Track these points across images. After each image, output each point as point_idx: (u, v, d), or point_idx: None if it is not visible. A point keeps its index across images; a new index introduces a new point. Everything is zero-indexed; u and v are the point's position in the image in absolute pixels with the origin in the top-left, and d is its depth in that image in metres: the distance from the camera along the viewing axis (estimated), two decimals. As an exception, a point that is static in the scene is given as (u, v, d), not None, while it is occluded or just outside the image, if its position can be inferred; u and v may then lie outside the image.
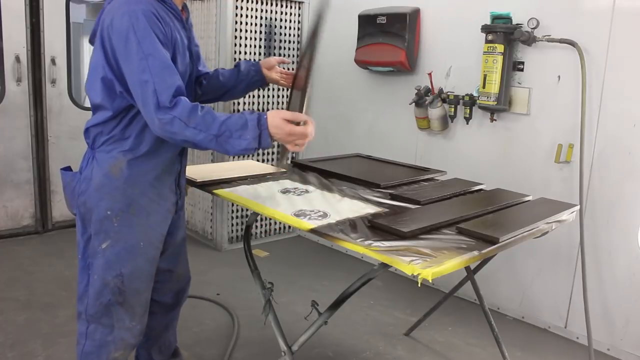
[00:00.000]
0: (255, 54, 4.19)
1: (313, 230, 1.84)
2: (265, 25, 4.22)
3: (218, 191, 2.20)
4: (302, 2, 4.40)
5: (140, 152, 1.83)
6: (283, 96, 4.43)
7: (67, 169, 2.01)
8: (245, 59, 2.15)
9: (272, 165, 1.73)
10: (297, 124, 1.71)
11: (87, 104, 4.90)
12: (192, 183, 2.35)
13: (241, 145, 1.68)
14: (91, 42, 1.85)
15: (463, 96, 3.43)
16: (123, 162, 1.81)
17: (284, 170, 2.69)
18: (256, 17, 4.16)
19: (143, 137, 1.82)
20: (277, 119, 1.69)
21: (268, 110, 1.75)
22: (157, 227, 1.94)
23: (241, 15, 4.06)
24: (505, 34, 3.09)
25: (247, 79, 2.19)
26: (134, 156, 1.82)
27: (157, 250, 1.96)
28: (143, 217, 1.88)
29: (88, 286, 1.93)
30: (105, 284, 1.88)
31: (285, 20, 4.34)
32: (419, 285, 1.62)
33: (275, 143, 1.84)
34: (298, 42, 4.46)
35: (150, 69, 1.64)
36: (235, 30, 4.04)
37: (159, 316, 2.21)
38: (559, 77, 3.05)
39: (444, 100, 3.51)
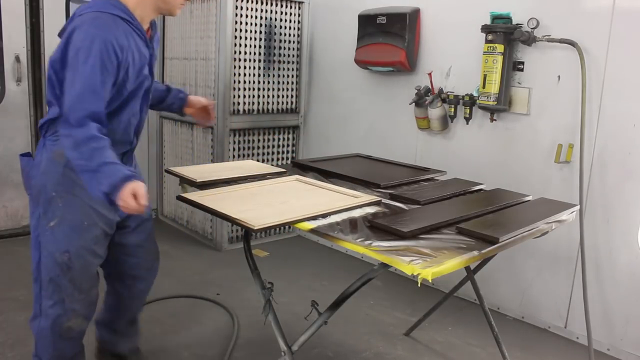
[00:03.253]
0: (255, 53, 4.19)
1: (313, 230, 1.85)
2: (265, 25, 4.22)
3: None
4: (302, 2, 4.40)
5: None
6: (283, 96, 4.43)
7: (26, 154, 2.16)
8: (178, 88, 2.50)
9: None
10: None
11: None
12: (192, 183, 2.35)
13: (93, 191, 1.83)
14: (60, 36, 1.98)
15: (463, 96, 3.43)
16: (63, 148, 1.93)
17: (284, 170, 2.69)
18: (256, 17, 4.16)
19: None
20: (126, 192, 1.78)
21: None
22: (100, 208, 2.04)
23: (241, 15, 4.06)
24: (505, 34, 3.09)
25: (168, 107, 2.47)
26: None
27: (101, 229, 2.09)
28: (85, 198, 1.99)
29: (40, 264, 2.07)
30: (54, 260, 2.03)
31: (285, 20, 4.34)
32: (419, 285, 1.62)
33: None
34: (298, 42, 4.47)
35: (77, 88, 1.81)
36: (235, 30, 4.04)
37: (131, 288, 2.38)
38: (559, 77, 3.05)
39: (444, 100, 3.51)
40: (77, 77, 1.82)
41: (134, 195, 1.78)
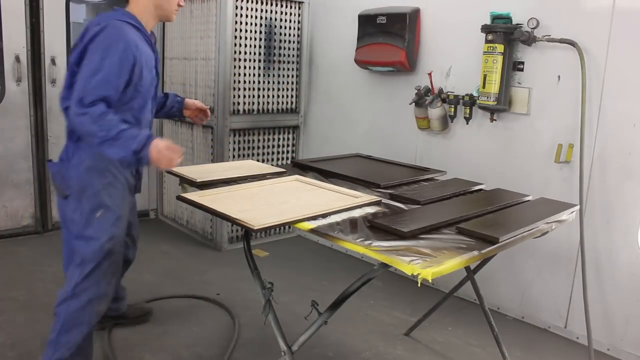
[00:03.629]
0: (255, 53, 4.19)
1: (313, 230, 1.85)
2: (265, 25, 4.22)
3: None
4: (302, 2, 4.40)
5: None
6: (283, 96, 4.43)
7: (51, 161, 2.37)
8: (174, 93, 2.78)
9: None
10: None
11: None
12: (192, 183, 2.35)
13: (120, 154, 2.06)
14: (75, 47, 2.24)
15: (463, 96, 3.43)
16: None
17: (284, 170, 2.69)
18: (256, 17, 4.16)
19: None
20: (159, 144, 2.07)
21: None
22: (128, 197, 2.40)
23: (241, 15, 4.06)
24: (505, 34, 3.09)
25: (168, 111, 2.72)
26: None
27: (127, 218, 2.41)
28: (121, 189, 2.32)
29: (86, 252, 2.24)
30: (101, 247, 2.24)
31: (285, 20, 4.34)
32: (419, 285, 1.62)
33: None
34: (298, 42, 4.47)
35: (94, 77, 2.06)
36: (235, 30, 4.04)
37: (126, 257, 2.71)
38: (559, 77, 3.05)
39: (444, 100, 3.51)
40: (95, 69, 2.06)
41: (164, 157, 2.05)
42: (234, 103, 4.14)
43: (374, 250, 1.67)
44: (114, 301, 2.70)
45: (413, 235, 1.81)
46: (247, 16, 4.09)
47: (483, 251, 1.75)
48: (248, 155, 4.32)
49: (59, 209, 2.32)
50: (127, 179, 2.36)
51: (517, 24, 3.11)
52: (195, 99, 2.88)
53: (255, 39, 4.17)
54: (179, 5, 2.35)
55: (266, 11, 4.21)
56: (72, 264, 2.29)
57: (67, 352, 2.28)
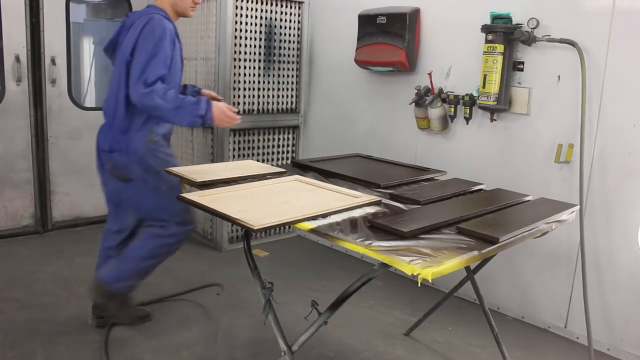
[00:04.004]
0: (255, 53, 4.19)
1: (313, 230, 1.85)
2: (265, 25, 4.22)
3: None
4: (302, 2, 4.40)
5: (160, 125, 2.71)
6: (283, 96, 4.42)
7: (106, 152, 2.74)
8: (191, 84, 3.06)
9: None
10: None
11: (87, 104, 4.91)
12: (192, 183, 2.35)
13: (189, 122, 2.55)
14: (106, 51, 2.80)
15: (463, 96, 3.43)
16: (153, 133, 2.69)
17: (284, 170, 2.69)
18: (256, 17, 4.16)
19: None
20: (219, 106, 2.59)
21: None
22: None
23: (241, 15, 4.06)
24: (505, 34, 3.09)
25: None
26: (157, 128, 2.70)
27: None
28: (171, 165, 2.73)
29: (167, 215, 2.77)
30: (170, 203, 2.66)
31: (285, 20, 4.34)
32: (419, 285, 1.62)
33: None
34: (298, 42, 4.46)
35: (151, 60, 2.48)
36: (235, 30, 4.04)
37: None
38: (559, 77, 3.05)
39: (444, 100, 3.51)
40: (151, 54, 2.47)
41: (224, 115, 2.56)
42: (234, 103, 4.13)
43: (374, 250, 1.67)
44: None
45: (413, 235, 1.81)
46: (247, 16, 4.10)
47: (483, 251, 1.75)
48: (248, 155, 4.32)
49: (118, 191, 2.75)
50: (171, 155, 2.80)
51: (517, 24, 3.11)
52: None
53: (255, 39, 4.17)
54: (195, 3, 2.73)
55: (266, 11, 4.21)
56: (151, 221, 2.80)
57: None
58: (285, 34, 4.36)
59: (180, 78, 2.77)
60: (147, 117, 2.64)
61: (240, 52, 4.10)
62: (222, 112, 2.56)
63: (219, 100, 2.93)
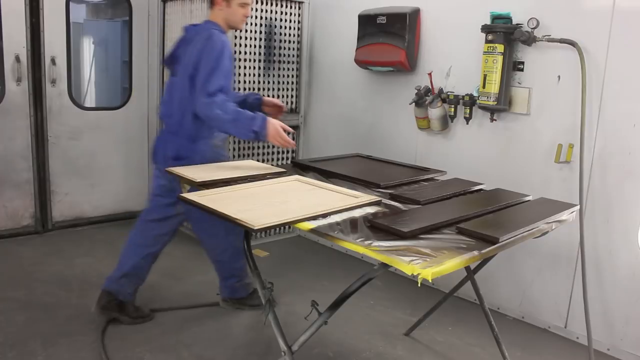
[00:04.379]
0: (255, 53, 4.19)
1: (313, 230, 1.85)
2: (265, 25, 4.22)
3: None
4: (302, 2, 4.40)
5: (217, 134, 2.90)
6: (283, 96, 4.42)
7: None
8: (252, 92, 3.29)
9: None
10: (286, 133, 2.64)
11: (87, 104, 4.91)
12: (192, 183, 2.35)
13: (243, 134, 2.65)
14: (167, 63, 3.03)
15: (463, 96, 3.43)
16: (217, 139, 2.92)
17: (284, 170, 2.69)
18: (256, 17, 4.16)
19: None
20: (273, 122, 2.61)
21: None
22: None
23: (241, 15, 4.05)
24: (505, 34, 3.09)
25: (250, 108, 2.97)
26: (220, 134, 2.90)
27: None
28: None
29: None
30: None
31: (285, 20, 4.34)
32: (419, 285, 1.62)
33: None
34: (298, 42, 4.46)
35: (213, 73, 2.64)
36: (235, 30, 4.03)
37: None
38: (559, 77, 3.05)
39: (444, 100, 3.51)
40: (213, 67, 2.64)
41: (279, 135, 2.59)
42: (234, 103, 4.14)
43: (374, 250, 1.67)
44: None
45: (413, 235, 1.81)
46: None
47: (483, 251, 1.75)
48: (248, 155, 4.32)
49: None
50: (227, 158, 3.01)
51: (517, 24, 3.11)
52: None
53: (255, 39, 4.17)
54: (245, 16, 2.88)
55: (266, 11, 4.21)
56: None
57: None
58: (285, 34, 4.36)
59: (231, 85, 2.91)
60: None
61: (240, 52, 4.10)
62: (277, 131, 2.60)
63: (280, 106, 3.10)
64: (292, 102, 4.53)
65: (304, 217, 1.89)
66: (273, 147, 4.48)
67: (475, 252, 1.72)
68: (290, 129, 2.68)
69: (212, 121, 2.67)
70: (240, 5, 2.83)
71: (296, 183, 2.41)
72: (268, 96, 4.32)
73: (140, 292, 3.16)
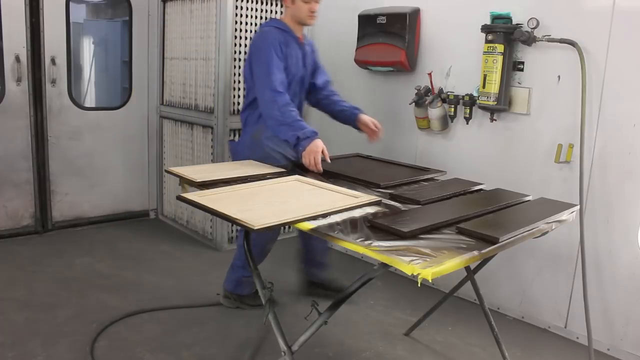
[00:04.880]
0: (255, 54, 4.18)
1: (313, 230, 1.85)
2: (265, 25, 4.22)
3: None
4: (302, 2, 4.39)
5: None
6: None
7: (232, 140, 3.36)
8: (355, 106, 3.20)
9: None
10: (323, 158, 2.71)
11: (87, 104, 4.91)
12: (192, 183, 2.35)
13: (288, 137, 2.74)
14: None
15: (463, 96, 3.43)
16: (259, 132, 2.96)
17: (284, 169, 2.69)
18: (256, 17, 4.16)
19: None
20: (318, 143, 2.71)
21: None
22: (285, 164, 2.96)
23: (241, 15, 4.06)
24: (505, 34, 3.09)
25: (346, 118, 3.23)
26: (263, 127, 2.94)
27: None
28: (272, 161, 2.87)
29: None
30: None
31: (285, 20, 4.34)
32: (419, 285, 1.62)
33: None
34: (298, 42, 4.46)
35: (267, 69, 2.80)
36: (235, 30, 4.04)
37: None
38: (559, 77, 3.05)
39: (444, 100, 3.51)
40: (264, 63, 2.81)
41: (315, 154, 2.66)
42: (234, 103, 4.14)
43: (374, 250, 1.67)
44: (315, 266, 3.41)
45: (413, 235, 1.81)
46: (247, 16, 4.09)
47: (483, 251, 1.75)
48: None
49: None
50: (276, 151, 2.94)
51: (517, 24, 3.11)
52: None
53: (255, 39, 4.17)
54: (311, 11, 2.92)
55: (266, 11, 4.21)
56: None
57: None
58: (285, 34, 4.35)
59: (298, 81, 3.04)
60: (259, 116, 2.94)
61: (240, 52, 4.10)
62: (313, 153, 2.67)
63: (374, 129, 3.09)
64: (292, 102, 4.52)
65: (304, 217, 1.89)
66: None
67: (475, 252, 1.72)
68: (328, 158, 2.73)
69: (268, 119, 2.81)
70: (304, 1, 2.89)
71: (296, 183, 2.41)
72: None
73: (139, 293, 3.17)
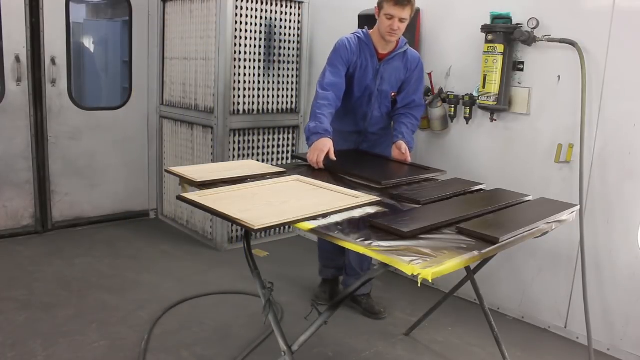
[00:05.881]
0: (255, 53, 4.19)
1: (313, 230, 1.84)
2: (265, 25, 4.22)
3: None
4: (302, 2, 4.40)
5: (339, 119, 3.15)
6: (283, 96, 4.41)
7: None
8: (402, 132, 3.12)
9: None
10: (327, 155, 2.76)
11: (87, 104, 4.90)
12: (192, 183, 2.35)
13: (307, 126, 2.88)
14: None
15: (463, 96, 3.43)
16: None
17: (284, 169, 2.69)
18: (256, 17, 4.16)
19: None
20: (326, 142, 2.78)
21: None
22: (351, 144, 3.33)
23: (241, 15, 4.06)
24: (505, 34, 3.09)
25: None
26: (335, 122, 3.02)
27: None
28: (343, 141, 3.19)
29: None
30: None
31: (285, 20, 4.34)
32: (419, 285, 1.62)
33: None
34: (298, 42, 4.46)
35: (326, 69, 3.03)
36: (235, 30, 4.04)
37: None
38: (559, 77, 3.05)
39: (444, 100, 3.51)
40: (326, 64, 3.03)
41: (320, 152, 2.72)
42: (234, 103, 4.14)
43: (374, 250, 1.67)
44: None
45: (413, 235, 1.81)
46: (247, 16, 4.09)
47: (483, 251, 1.75)
48: (248, 155, 4.32)
49: None
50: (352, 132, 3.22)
51: (517, 24, 3.11)
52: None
53: (255, 39, 4.17)
54: (391, 29, 2.89)
55: (266, 11, 4.21)
56: None
57: None
58: (285, 34, 4.36)
59: (367, 92, 3.11)
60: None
61: (240, 52, 4.10)
62: (318, 151, 2.73)
63: (400, 153, 3.03)
64: (292, 102, 4.53)
65: (304, 217, 1.89)
66: (273, 147, 4.49)
67: (475, 252, 1.72)
68: (333, 156, 2.77)
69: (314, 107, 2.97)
70: (385, 16, 2.90)
71: (296, 183, 2.41)
72: (267, 96, 4.35)
73: (139, 293, 3.17)
